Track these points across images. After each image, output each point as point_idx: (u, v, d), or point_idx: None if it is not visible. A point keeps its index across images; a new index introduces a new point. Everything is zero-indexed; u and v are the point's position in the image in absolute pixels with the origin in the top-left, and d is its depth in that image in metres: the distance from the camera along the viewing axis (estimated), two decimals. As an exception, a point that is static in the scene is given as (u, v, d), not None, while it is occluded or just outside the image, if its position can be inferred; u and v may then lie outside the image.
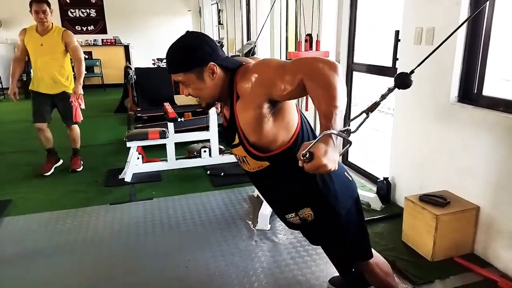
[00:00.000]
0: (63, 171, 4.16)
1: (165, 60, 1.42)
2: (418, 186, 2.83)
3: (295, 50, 3.39)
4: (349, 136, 1.11)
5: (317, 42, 3.42)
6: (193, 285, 2.25)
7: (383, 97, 1.18)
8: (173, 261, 2.47)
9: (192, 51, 1.35)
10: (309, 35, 3.44)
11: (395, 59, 3.04)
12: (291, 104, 1.42)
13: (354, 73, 3.79)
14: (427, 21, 2.62)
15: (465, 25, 2.41)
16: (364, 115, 1.18)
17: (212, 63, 1.35)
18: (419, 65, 1.27)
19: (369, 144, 4.80)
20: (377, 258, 1.78)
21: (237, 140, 1.43)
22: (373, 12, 4.05)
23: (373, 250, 1.73)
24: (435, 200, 2.41)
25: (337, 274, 2.25)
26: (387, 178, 3.16)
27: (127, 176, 3.78)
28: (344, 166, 1.65)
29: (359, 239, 1.66)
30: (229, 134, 1.46)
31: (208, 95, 1.41)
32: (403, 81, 1.12)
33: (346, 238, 1.62)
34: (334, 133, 1.06)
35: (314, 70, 1.17)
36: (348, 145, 1.12)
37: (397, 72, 1.20)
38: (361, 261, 1.72)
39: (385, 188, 3.13)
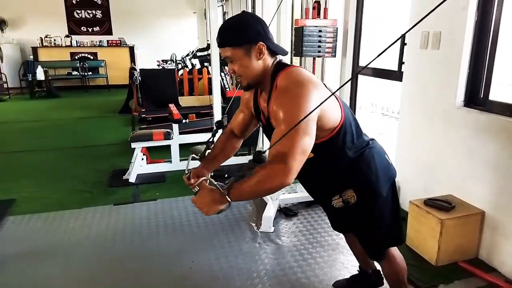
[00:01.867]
0: (67, 170, 4.18)
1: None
2: (423, 190, 2.83)
3: (302, 17, 3.31)
4: (226, 195, 1.25)
5: (325, 9, 3.35)
6: (197, 286, 2.25)
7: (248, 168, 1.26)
8: (177, 262, 2.47)
9: (245, 27, 1.39)
10: (317, 2, 3.38)
11: (401, 62, 3.04)
12: (329, 109, 1.41)
13: (359, 76, 3.79)
14: (434, 26, 2.62)
15: (472, 29, 2.41)
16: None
17: (261, 42, 1.39)
18: None
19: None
20: (398, 252, 1.80)
21: None
22: (379, 15, 4.04)
23: None
24: (440, 204, 2.40)
25: (341, 277, 2.25)
26: (392, 181, 3.14)
27: (131, 176, 3.79)
28: (384, 149, 1.69)
29: (394, 222, 1.69)
30: (269, 132, 1.48)
31: (251, 75, 1.43)
32: (258, 155, 1.21)
33: (383, 220, 1.65)
34: (210, 182, 1.32)
35: (276, 172, 1.23)
36: (227, 207, 1.28)
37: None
38: (393, 245, 1.75)
39: (389, 192, 3.12)
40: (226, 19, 9.51)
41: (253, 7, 7.70)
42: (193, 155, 1.68)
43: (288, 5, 3.37)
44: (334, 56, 3.25)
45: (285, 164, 1.22)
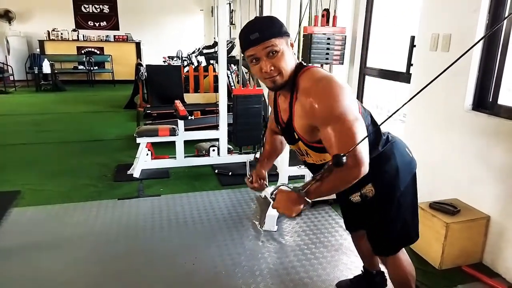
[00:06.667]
0: (72, 164, 4.18)
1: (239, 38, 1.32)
2: (428, 193, 2.81)
3: (310, 24, 3.30)
4: (304, 195, 1.29)
5: (334, 17, 3.34)
6: (199, 282, 2.25)
7: (326, 170, 1.24)
8: (180, 258, 2.47)
9: (278, 20, 1.36)
10: (326, 10, 3.37)
11: (409, 64, 3.03)
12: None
13: (366, 77, 3.78)
14: (444, 28, 2.60)
15: (483, 32, 2.39)
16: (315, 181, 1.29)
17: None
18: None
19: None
20: (407, 256, 1.78)
21: (296, 137, 1.46)
22: (389, 17, 4.02)
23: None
24: (446, 208, 2.39)
25: (344, 278, 2.24)
26: (396, 184, 3.13)
27: (136, 172, 3.80)
28: (405, 142, 1.67)
29: (411, 218, 1.66)
30: (288, 134, 1.49)
31: (289, 69, 1.34)
32: (338, 160, 1.18)
33: (400, 215, 1.62)
34: (287, 187, 1.36)
35: (350, 168, 1.25)
36: (308, 206, 1.34)
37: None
38: (407, 244, 1.74)
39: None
40: (234, 17, 9.50)
41: (261, 5, 7.68)
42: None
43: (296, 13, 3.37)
44: (342, 63, 3.25)
45: (355, 158, 1.24)
